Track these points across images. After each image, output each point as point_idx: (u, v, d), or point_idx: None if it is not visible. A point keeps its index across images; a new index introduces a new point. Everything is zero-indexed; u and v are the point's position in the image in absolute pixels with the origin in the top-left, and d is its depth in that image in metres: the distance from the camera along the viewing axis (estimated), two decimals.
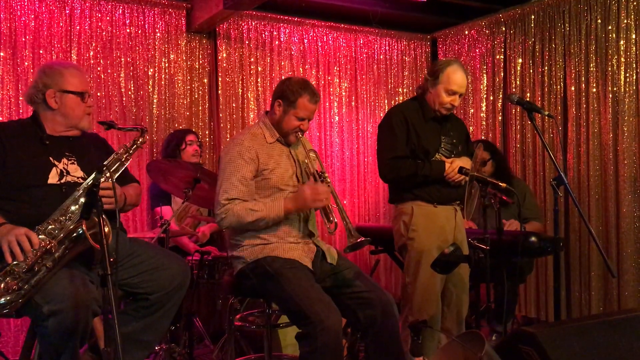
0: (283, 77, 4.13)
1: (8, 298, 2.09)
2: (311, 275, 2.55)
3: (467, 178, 2.92)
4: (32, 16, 4.04)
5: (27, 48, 4.01)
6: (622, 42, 4.10)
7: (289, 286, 2.44)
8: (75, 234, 2.17)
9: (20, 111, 3.96)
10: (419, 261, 3.06)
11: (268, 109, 2.81)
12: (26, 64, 4.01)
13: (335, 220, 2.58)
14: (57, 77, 2.45)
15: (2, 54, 3.95)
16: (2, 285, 2.10)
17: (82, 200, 2.27)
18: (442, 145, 3.16)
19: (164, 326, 2.55)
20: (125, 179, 2.60)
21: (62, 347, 2.10)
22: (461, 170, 3.01)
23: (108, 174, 2.30)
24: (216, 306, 3.67)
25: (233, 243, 2.68)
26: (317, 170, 2.70)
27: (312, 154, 2.77)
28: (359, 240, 2.45)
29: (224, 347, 3.48)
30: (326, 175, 2.66)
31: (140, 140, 2.55)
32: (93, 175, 2.28)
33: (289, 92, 2.64)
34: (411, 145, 3.10)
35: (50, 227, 2.24)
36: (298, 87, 2.65)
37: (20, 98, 3.96)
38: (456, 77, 3.07)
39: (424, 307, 3.07)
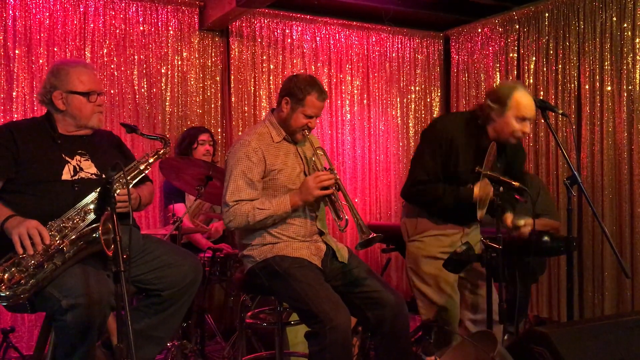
0: None
1: (8, 293, 2.07)
2: (320, 274, 2.54)
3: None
4: (47, 14, 4.07)
5: (41, 45, 4.05)
6: (637, 40, 4.06)
7: (297, 285, 2.43)
8: (90, 237, 2.19)
9: (35, 108, 3.99)
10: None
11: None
12: (41, 61, 4.04)
13: (346, 217, 2.52)
14: (64, 78, 2.42)
15: (17, 51, 3.98)
16: (7, 275, 2.10)
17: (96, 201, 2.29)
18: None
19: (176, 323, 2.56)
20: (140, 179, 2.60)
21: (80, 341, 2.11)
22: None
23: (127, 179, 2.28)
24: (228, 303, 3.67)
25: (242, 243, 2.68)
26: (325, 168, 2.66)
27: (319, 151, 2.72)
28: (370, 236, 2.40)
29: (235, 344, 3.49)
30: (335, 172, 2.60)
31: (162, 151, 2.54)
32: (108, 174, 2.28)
33: (297, 89, 2.59)
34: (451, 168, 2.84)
35: (62, 225, 2.25)
36: (306, 84, 2.59)
37: (35, 95, 3.99)
38: (526, 101, 2.71)
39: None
